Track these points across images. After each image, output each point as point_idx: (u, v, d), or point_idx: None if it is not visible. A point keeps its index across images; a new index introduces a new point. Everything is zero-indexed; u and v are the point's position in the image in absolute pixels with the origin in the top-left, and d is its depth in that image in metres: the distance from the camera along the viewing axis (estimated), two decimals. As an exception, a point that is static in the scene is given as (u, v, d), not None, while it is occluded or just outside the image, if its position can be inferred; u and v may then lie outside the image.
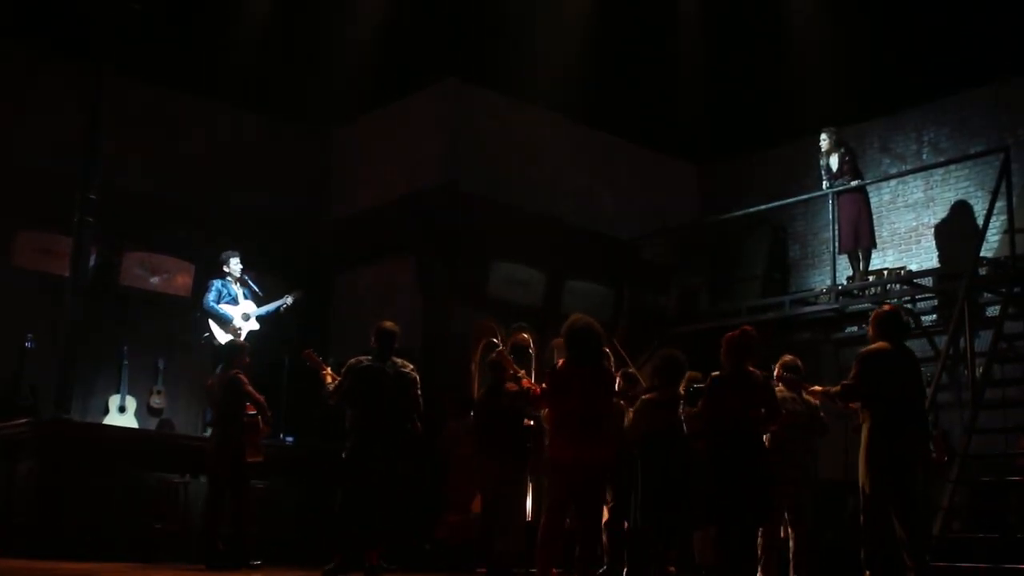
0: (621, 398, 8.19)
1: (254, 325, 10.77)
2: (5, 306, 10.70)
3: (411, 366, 7.90)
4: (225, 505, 8.50)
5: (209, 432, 10.55)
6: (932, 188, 11.85)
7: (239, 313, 10.68)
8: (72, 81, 11.22)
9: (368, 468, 7.61)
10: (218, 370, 10.62)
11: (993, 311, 10.39)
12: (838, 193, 11.28)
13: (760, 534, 7.26)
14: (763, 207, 12.29)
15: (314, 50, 11.87)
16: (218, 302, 10.59)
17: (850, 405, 7.12)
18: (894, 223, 12.07)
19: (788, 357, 7.97)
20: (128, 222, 11.53)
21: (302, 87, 12.42)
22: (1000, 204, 10.04)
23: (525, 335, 11.31)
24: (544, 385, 6.89)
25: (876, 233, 11.45)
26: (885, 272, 11.33)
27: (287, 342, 11.42)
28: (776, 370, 7.81)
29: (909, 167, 11.92)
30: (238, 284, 10.83)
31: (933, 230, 11.72)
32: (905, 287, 10.99)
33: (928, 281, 11.00)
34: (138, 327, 11.71)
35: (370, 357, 7.85)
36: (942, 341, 10.18)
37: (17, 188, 10.80)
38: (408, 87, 12.49)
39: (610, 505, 8.07)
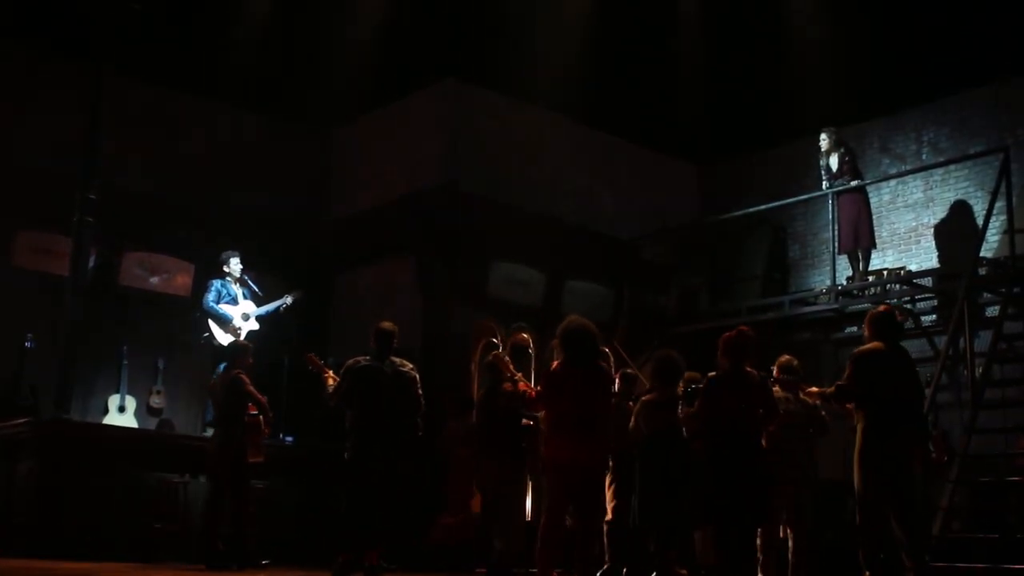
0: (626, 399, 8.20)
1: (254, 325, 10.79)
2: (5, 306, 10.70)
3: (410, 365, 7.90)
4: (226, 505, 8.51)
5: (209, 432, 10.62)
6: (932, 188, 11.85)
7: (239, 313, 10.69)
8: (72, 81, 11.21)
9: (368, 468, 7.61)
10: (219, 369, 10.67)
11: (993, 311, 10.40)
12: (838, 193, 11.29)
13: (759, 534, 7.26)
14: (763, 207, 12.29)
15: (314, 50, 11.87)
16: (217, 302, 10.60)
17: (846, 406, 7.10)
18: (894, 223, 12.07)
19: (784, 358, 7.96)
20: (128, 222, 11.53)
21: (302, 87, 12.42)
22: (1000, 204, 10.04)
23: (525, 335, 11.32)
24: (539, 387, 6.88)
25: (876, 233, 11.45)
26: (885, 272, 11.34)
27: (287, 342, 11.43)
28: (774, 371, 7.81)
29: (909, 167, 11.92)
30: (238, 284, 10.84)
31: (933, 230, 11.72)
32: (905, 287, 11.00)
33: (928, 281, 11.00)
34: (138, 327, 11.71)
35: (368, 357, 7.85)
36: (942, 341, 10.19)
37: (17, 188, 10.80)
38: (408, 87, 12.49)
39: (612, 505, 8.08)
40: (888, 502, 6.69)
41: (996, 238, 10.82)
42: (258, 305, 10.87)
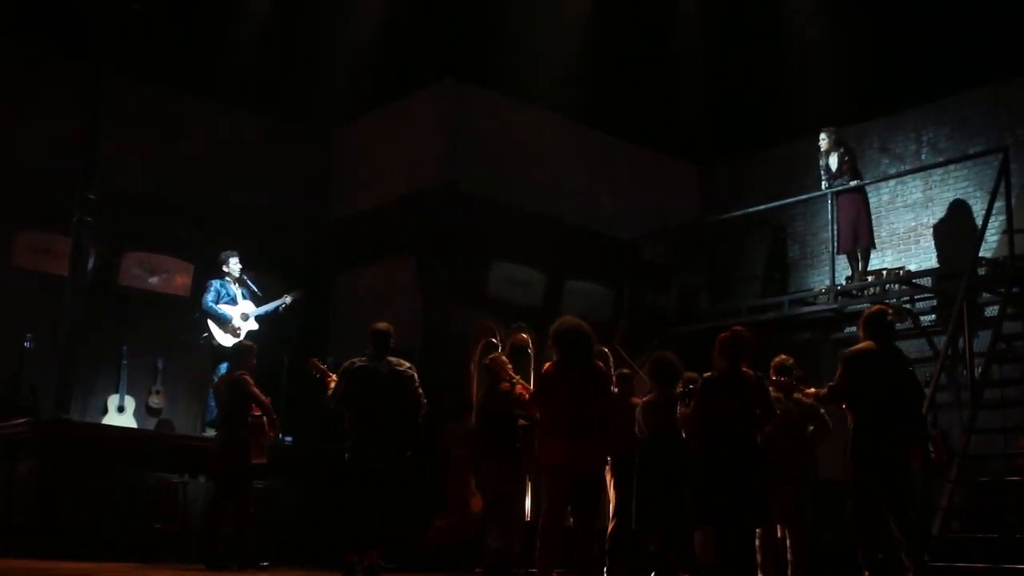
0: (623, 399, 8.20)
1: (253, 325, 10.79)
2: (5, 306, 10.70)
3: (407, 364, 7.88)
4: (227, 506, 8.50)
5: (209, 432, 10.62)
6: (931, 188, 11.85)
7: (238, 313, 10.69)
8: (72, 81, 11.22)
9: (366, 468, 7.60)
10: (220, 370, 10.67)
11: (992, 311, 10.40)
12: (837, 193, 11.29)
13: (758, 534, 7.25)
14: (763, 207, 12.29)
15: (314, 50, 11.87)
16: (217, 302, 10.60)
17: (840, 406, 7.07)
18: (893, 223, 12.08)
19: (779, 358, 7.95)
20: (127, 222, 11.54)
21: (302, 87, 12.43)
22: (999, 204, 10.04)
23: (524, 335, 11.31)
24: (533, 388, 6.88)
25: (875, 233, 11.46)
26: (884, 272, 11.34)
27: (286, 342, 11.43)
28: (770, 371, 7.81)
29: (908, 167, 11.93)
30: (237, 284, 10.84)
31: (932, 230, 11.72)
32: (904, 287, 11.00)
33: (927, 281, 11.00)
34: (137, 327, 11.71)
35: (364, 358, 7.85)
36: (941, 341, 10.19)
37: (17, 188, 10.81)
38: (408, 87, 12.49)
39: (613, 505, 8.08)
40: (884, 502, 6.67)
41: (995, 238, 10.82)
42: (257, 305, 10.88)
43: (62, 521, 8.77)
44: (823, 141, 11.61)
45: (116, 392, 11.24)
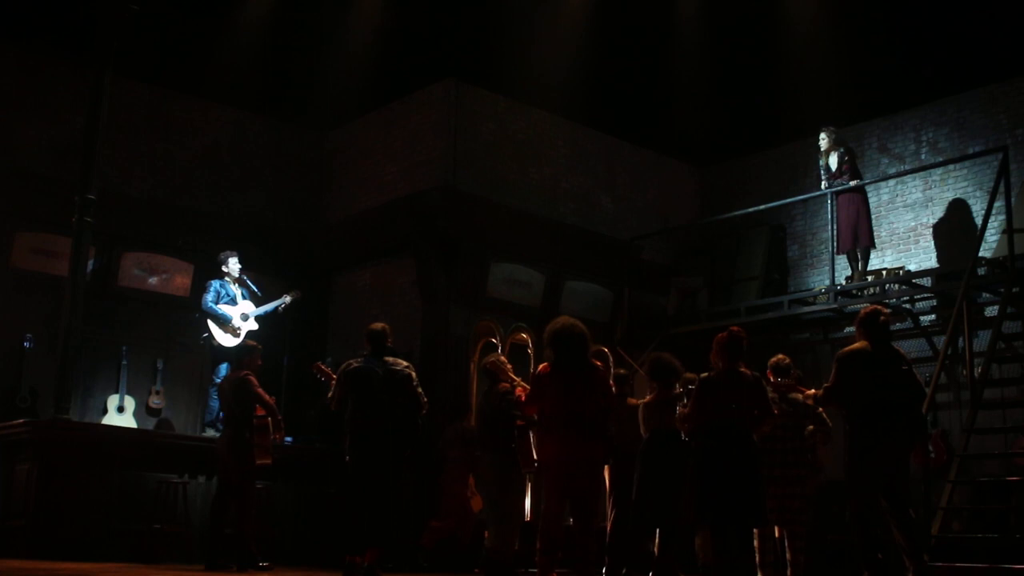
0: (621, 399, 8.20)
1: (252, 325, 10.80)
2: (4, 307, 10.71)
3: (404, 363, 7.84)
4: (232, 506, 8.49)
5: (208, 432, 10.62)
6: (931, 188, 11.86)
7: (238, 313, 10.70)
8: (71, 82, 11.24)
9: (364, 469, 7.59)
10: (220, 370, 10.68)
11: (992, 311, 10.40)
12: (837, 193, 11.29)
13: (756, 535, 7.25)
14: (762, 207, 12.30)
15: (314, 51, 11.88)
16: (216, 302, 10.61)
17: (837, 407, 7.05)
18: (893, 223, 12.08)
19: (776, 358, 7.94)
20: (127, 222, 11.54)
21: (302, 88, 12.44)
22: (999, 204, 10.03)
23: (524, 335, 11.32)
24: (528, 389, 6.88)
25: (875, 233, 11.46)
26: (884, 272, 11.34)
27: (286, 342, 11.43)
28: (768, 371, 7.81)
29: (908, 167, 11.93)
30: (236, 284, 10.85)
31: (932, 230, 11.73)
32: (904, 287, 10.99)
33: (927, 281, 11.00)
34: (137, 327, 11.71)
35: (361, 359, 7.84)
36: (941, 341, 10.19)
37: (16, 189, 10.81)
38: (408, 87, 12.49)
39: (612, 505, 8.08)
40: (881, 503, 6.65)
41: (995, 238, 10.82)
42: (257, 305, 10.89)
43: (62, 522, 8.77)
44: (823, 141, 11.62)
45: (116, 392, 11.23)
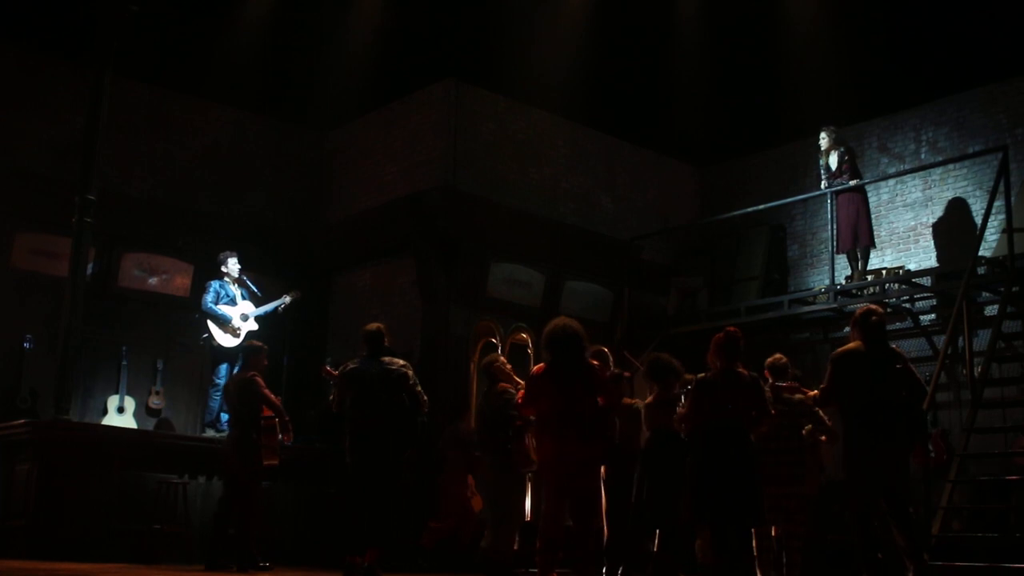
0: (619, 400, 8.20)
1: (252, 325, 10.80)
2: (4, 308, 10.71)
3: (400, 362, 7.79)
4: (236, 506, 8.49)
5: (208, 432, 10.63)
6: (931, 187, 11.86)
7: (237, 314, 10.70)
8: (71, 82, 11.24)
9: (361, 470, 7.58)
10: (220, 370, 10.68)
11: (992, 310, 10.40)
12: (837, 193, 11.29)
13: (755, 535, 7.24)
14: (762, 207, 12.29)
15: (314, 51, 11.88)
16: (216, 303, 10.61)
17: (835, 408, 7.04)
18: (893, 223, 12.08)
19: (773, 358, 7.93)
20: (127, 223, 11.54)
21: (302, 88, 12.44)
22: (998, 203, 10.03)
23: (524, 335, 11.32)
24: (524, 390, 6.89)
25: (875, 232, 11.46)
26: (884, 272, 11.34)
27: (286, 342, 11.43)
28: (765, 371, 7.80)
29: (908, 167, 11.93)
30: (236, 285, 10.85)
31: (932, 229, 11.73)
32: (904, 286, 10.99)
33: (927, 280, 11.00)
34: (137, 328, 11.71)
35: (358, 360, 7.84)
36: (941, 340, 10.18)
37: (16, 189, 10.81)
38: (408, 88, 12.49)
39: (607, 504, 8.08)
40: (880, 502, 6.64)
41: (995, 237, 10.82)
42: (256, 305, 10.89)
43: (62, 522, 8.78)
44: (823, 140, 11.62)
45: (116, 393, 11.24)
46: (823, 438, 7.96)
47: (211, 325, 10.60)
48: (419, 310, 11.69)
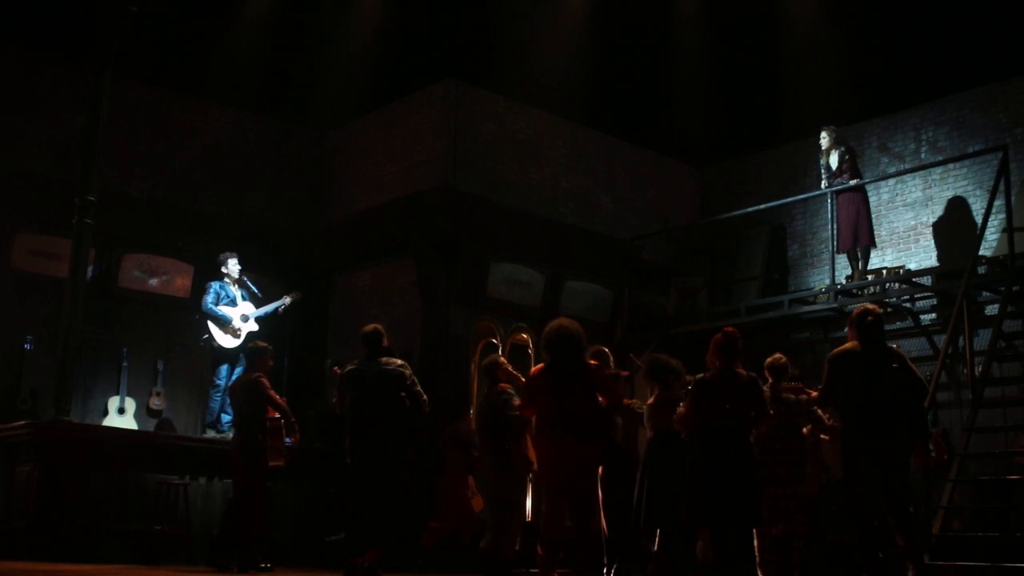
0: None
1: (253, 326, 10.80)
2: (5, 309, 10.71)
3: (397, 362, 7.77)
4: (241, 507, 8.48)
5: (209, 433, 10.63)
6: (931, 187, 11.86)
7: (238, 314, 10.70)
8: (71, 82, 11.24)
9: (360, 470, 7.58)
10: (221, 370, 10.67)
11: (992, 310, 10.40)
12: (837, 192, 11.29)
13: (756, 535, 7.24)
14: (762, 207, 12.29)
15: (314, 51, 11.87)
16: (216, 304, 10.61)
17: (834, 408, 7.04)
18: (893, 222, 12.08)
19: (772, 357, 7.92)
20: (127, 224, 11.55)
21: (302, 88, 12.43)
22: (999, 203, 10.03)
23: (524, 335, 11.32)
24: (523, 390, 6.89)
25: (875, 232, 11.45)
26: (884, 271, 11.34)
27: (286, 343, 11.42)
28: (765, 371, 7.80)
29: (908, 166, 11.93)
30: (236, 285, 10.85)
31: (932, 229, 11.73)
32: (904, 286, 10.99)
33: (927, 280, 11.00)
34: (137, 329, 11.71)
35: (357, 361, 7.84)
36: (941, 340, 10.18)
37: (16, 190, 10.81)
38: (408, 88, 12.49)
39: (607, 505, 8.08)
40: (879, 502, 6.64)
41: (995, 236, 10.82)
42: (257, 306, 10.89)
43: (62, 523, 8.77)
44: (823, 139, 11.62)
45: (116, 394, 11.24)
46: (825, 437, 7.96)
47: (211, 326, 10.60)
48: (419, 310, 11.69)
